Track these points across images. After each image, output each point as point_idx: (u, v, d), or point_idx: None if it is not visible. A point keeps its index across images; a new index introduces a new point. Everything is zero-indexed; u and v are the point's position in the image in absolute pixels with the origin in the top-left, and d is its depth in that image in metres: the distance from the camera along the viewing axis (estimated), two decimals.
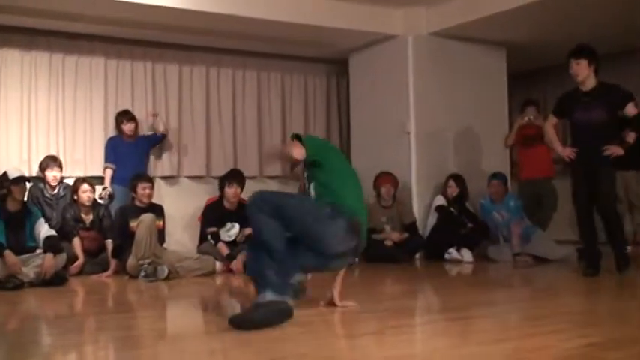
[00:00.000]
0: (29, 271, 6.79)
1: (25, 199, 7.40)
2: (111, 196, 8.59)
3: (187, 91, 9.87)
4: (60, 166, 8.45)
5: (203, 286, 7.01)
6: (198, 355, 3.83)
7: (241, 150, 10.18)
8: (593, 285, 6.42)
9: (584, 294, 6.12)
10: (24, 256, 6.88)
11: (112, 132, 9.15)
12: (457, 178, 9.02)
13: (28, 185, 7.45)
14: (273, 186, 10.41)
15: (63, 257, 7.20)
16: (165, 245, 7.96)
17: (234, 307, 5.98)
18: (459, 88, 9.60)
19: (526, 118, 9.32)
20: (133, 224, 7.62)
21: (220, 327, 4.44)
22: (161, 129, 9.26)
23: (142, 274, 7.18)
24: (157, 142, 9.35)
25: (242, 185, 8.50)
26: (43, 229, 7.14)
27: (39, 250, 7.06)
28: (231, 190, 8.30)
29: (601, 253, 6.93)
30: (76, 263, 7.69)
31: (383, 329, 4.45)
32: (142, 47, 9.53)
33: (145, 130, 9.37)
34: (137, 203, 7.94)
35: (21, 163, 8.50)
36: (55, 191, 8.37)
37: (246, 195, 8.63)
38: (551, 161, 9.48)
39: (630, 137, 7.07)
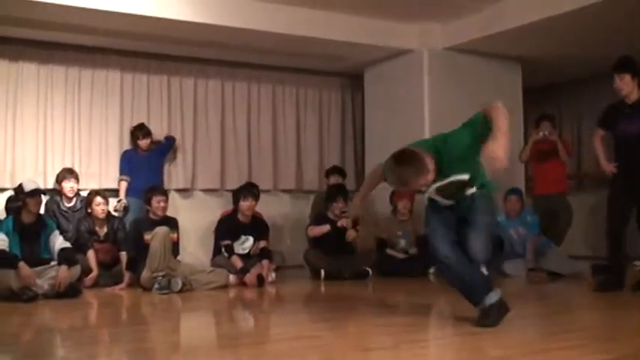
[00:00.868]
0: (43, 284, 6.78)
1: (42, 211, 7.41)
2: (126, 209, 8.61)
3: (202, 105, 9.89)
4: (76, 178, 8.48)
5: (216, 299, 7.00)
6: None
7: (256, 163, 10.20)
8: (608, 301, 6.39)
9: (600, 309, 6.09)
10: (38, 269, 6.86)
11: (127, 145, 9.19)
12: None
13: (44, 198, 7.45)
14: (287, 200, 10.44)
15: (77, 269, 7.19)
16: (179, 258, 7.95)
17: (248, 321, 5.99)
18: (473, 103, 9.49)
19: (541, 134, 9.28)
20: (147, 237, 7.61)
21: (233, 340, 4.43)
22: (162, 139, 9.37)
23: (156, 286, 7.17)
24: (168, 148, 9.40)
25: (257, 199, 8.50)
26: (58, 241, 7.14)
27: (53, 263, 7.05)
28: (246, 204, 8.30)
29: (624, 271, 6.91)
30: (90, 276, 7.68)
31: (398, 344, 4.44)
32: (158, 60, 9.57)
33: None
34: (151, 216, 7.94)
35: (36, 175, 8.53)
36: (72, 203, 8.40)
37: (260, 208, 8.67)
38: (565, 176, 9.46)
39: None
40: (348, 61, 10.10)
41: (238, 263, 8.01)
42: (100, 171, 9.12)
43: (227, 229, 8.37)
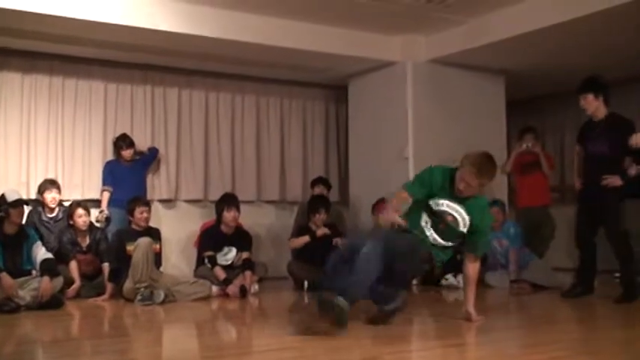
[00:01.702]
0: (25, 295, 6.75)
1: (24, 222, 7.38)
2: (107, 219, 8.58)
3: (186, 115, 9.88)
4: (58, 189, 8.45)
5: (199, 311, 6.99)
6: None
7: (239, 174, 10.19)
8: (590, 313, 6.43)
9: (582, 322, 6.12)
10: (20, 280, 6.83)
11: (110, 155, 9.17)
12: None
13: (27, 208, 7.43)
14: (270, 211, 10.43)
15: (60, 281, 7.16)
16: (161, 269, 7.94)
17: (230, 332, 5.98)
18: (457, 115, 9.62)
19: (524, 146, 9.32)
20: (129, 247, 7.59)
21: (216, 352, 4.42)
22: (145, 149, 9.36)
23: (139, 297, 7.14)
24: (152, 159, 9.39)
25: (239, 209, 8.49)
26: (40, 252, 7.11)
27: (35, 274, 7.03)
28: (230, 214, 8.29)
29: (594, 282, 7.22)
30: (73, 287, 7.65)
31: (381, 355, 4.44)
32: (142, 71, 9.56)
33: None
34: (134, 226, 7.92)
35: (19, 186, 8.48)
36: (54, 214, 8.37)
37: (243, 219, 8.66)
38: (548, 189, 9.51)
39: (634, 170, 7.08)
40: (332, 73, 10.12)
41: (221, 274, 7.99)
42: (82, 181, 9.09)
43: (210, 240, 8.35)
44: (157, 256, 7.80)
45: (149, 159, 9.34)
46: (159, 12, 7.88)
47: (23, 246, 7.09)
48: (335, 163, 11.04)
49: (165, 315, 6.67)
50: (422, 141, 9.36)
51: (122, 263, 7.57)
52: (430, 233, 5.37)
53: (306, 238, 8.72)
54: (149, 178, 9.43)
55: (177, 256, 9.47)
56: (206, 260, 8.19)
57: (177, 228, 9.53)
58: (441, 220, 5.35)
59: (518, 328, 5.76)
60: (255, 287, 8.19)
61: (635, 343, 5.01)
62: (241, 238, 8.42)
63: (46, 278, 6.86)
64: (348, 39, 9.07)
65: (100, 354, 4.75)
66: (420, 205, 5.39)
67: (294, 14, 8.42)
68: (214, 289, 7.83)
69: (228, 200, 8.47)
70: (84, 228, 7.97)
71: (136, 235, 7.70)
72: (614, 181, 6.91)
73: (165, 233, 8.51)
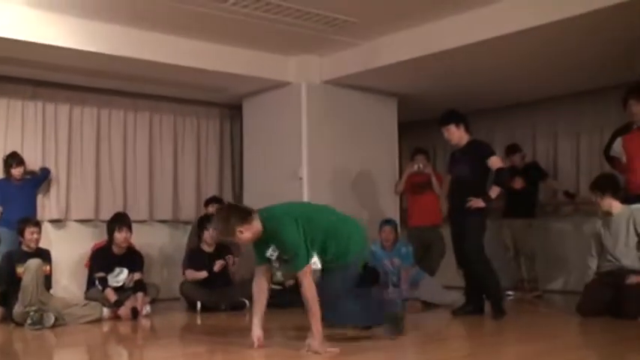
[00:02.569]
0: None
1: None
2: None
3: (77, 132, 9.70)
4: None
5: (90, 334, 6.89)
6: None
7: (131, 193, 10.06)
8: (479, 330, 6.58)
9: (471, 338, 6.24)
10: None
11: (0, 173, 8.92)
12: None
13: None
14: (163, 230, 10.33)
15: None
16: (52, 291, 7.78)
17: (122, 355, 5.91)
18: (351, 136, 9.73)
19: (415, 167, 9.49)
20: (19, 269, 7.41)
21: None
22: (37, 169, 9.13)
23: (29, 322, 6.97)
24: (43, 179, 9.18)
25: (131, 229, 8.38)
26: None
27: None
28: (121, 235, 8.19)
29: (482, 301, 7.52)
30: None
31: None
32: (32, 87, 9.34)
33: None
34: (24, 248, 7.75)
35: None
36: None
37: (135, 239, 8.56)
38: (439, 209, 9.68)
39: (493, 191, 7.34)
40: (226, 92, 10.12)
41: (112, 296, 7.89)
42: None
43: (101, 261, 8.25)
44: (47, 279, 7.64)
45: (40, 179, 9.13)
46: (50, 27, 7.71)
47: None
48: (229, 183, 11.02)
49: (56, 339, 6.56)
50: (316, 161, 9.43)
51: (12, 286, 7.39)
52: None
53: (204, 274, 8.67)
54: (39, 198, 9.20)
55: (68, 277, 9.27)
56: (97, 282, 8.08)
57: (67, 249, 9.31)
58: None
59: (410, 346, 5.84)
60: (147, 309, 8.11)
61: (523, 357, 5.16)
62: (133, 259, 8.33)
63: None
64: (242, 58, 9.08)
65: None
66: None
67: (188, 32, 8.38)
68: (105, 311, 7.72)
69: (120, 220, 8.38)
70: None
71: (26, 256, 7.53)
72: (477, 203, 7.25)
73: (55, 254, 8.33)
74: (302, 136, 9.42)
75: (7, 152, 8.94)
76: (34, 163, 9.17)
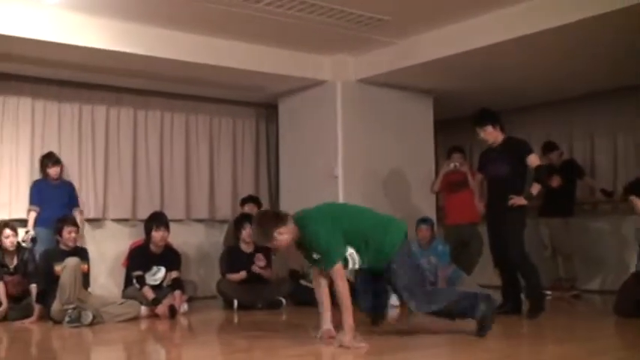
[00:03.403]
0: None
1: None
2: (34, 240, 8.41)
3: (114, 133, 9.77)
4: None
5: (128, 332, 6.92)
6: None
7: (168, 192, 10.11)
8: (517, 329, 6.53)
9: (509, 338, 6.20)
10: None
11: (37, 174, 8.97)
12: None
13: None
14: (200, 229, 10.37)
15: None
16: (89, 290, 7.84)
17: (159, 353, 5.94)
18: (386, 134, 9.71)
19: (452, 165, 9.46)
20: (57, 268, 7.48)
21: None
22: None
23: (67, 319, 7.04)
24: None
25: (169, 228, 8.42)
26: None
27: None
28: (158, 234, 8.23)
29: (520, 299, 7.43)
30: (0, 309, 7.53)
31: None
32: (70, 88, 9.42)
33: (69, 174, 9.23)
34: (62, 246, 7.81)
35: None
36: None
37: (172, 238, 8.60)
38: (476, 207, 9.63)
39: (534, 188, 7.29)
40: (262, 91, 10.14)
41: (150, 294, 7.93)
42: (10, 200, 8.89)
43: (139, 260, 8.29)
44: (85, 277, 7.71)
45: (73, 189, 9.14)
46: (86, 29, 7.78)
47: None
48: (265, 182, 11.04)
49: (94, 337, 6.61)
50: (351, 160, 9.42)
51: (50, 284, 7.45)
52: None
53: (243, 275, 8.70)
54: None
55: (106, 276, 9.35)
56: (134, 280, 8.13)
57: (105, 247, 9.41)
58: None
59: (445, 346, 5.82)
60: (185, 307, 8.15)
61: (564, 358, 5.12)
62: (170, 258, 8.37)
63: None
64: (278, 58, 9.10)
65: None
66: None
67: (224, 32, 8.41)
68: (143, 309, 7.77)
69: (157, 219, 8.42)
70: (11, 249, 7.82)
71: (63, 255, 7.59)
72: (519, 200, 7.19)
73: (92, 253, 8.41)
74: (337, 135, 9.42)
75: (45, 154, 9.01)
76: (71, 163, 9.26)
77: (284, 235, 5.49)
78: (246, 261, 8.74)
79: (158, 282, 8.19)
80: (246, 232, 8.75)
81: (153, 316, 7.75)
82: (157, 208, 9.48)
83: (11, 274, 7.80)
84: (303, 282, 8.90)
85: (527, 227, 7.54)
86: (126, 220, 9.79)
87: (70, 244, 7.79)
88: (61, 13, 7.63)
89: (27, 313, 7.56)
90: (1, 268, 7.77)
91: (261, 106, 10.97)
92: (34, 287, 7.69)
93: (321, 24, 8.05)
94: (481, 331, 5.74)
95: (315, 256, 5.54)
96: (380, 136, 9.66)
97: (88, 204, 9.42)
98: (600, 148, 10.33)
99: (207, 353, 5.60)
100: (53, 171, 8.80)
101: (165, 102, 10.20)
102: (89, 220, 9.43)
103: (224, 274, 8.87)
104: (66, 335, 6.67)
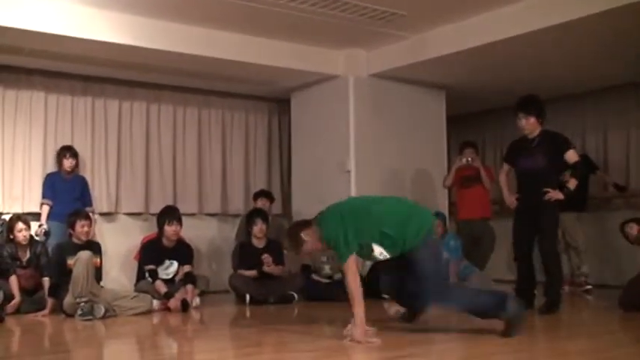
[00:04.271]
0: None
1: None
2: (46, 233, 8.43)
3: (127, 127, 9.80)
4: None
5: (140, 325, 6.93)
6: None
7: (181, 187, 10.14)
8: (529, 324, 6.51)
9: (524, 333, 6.19)
10: None
11: (50, 168, 9.02)
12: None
13: None
14: (212, 223, 10.39)
15: None
16: (102, 283, 7.86)
17: (172, 347, 5.94)
18: (398, 129, 9.70)
19: (464, 160, 9.42)
20: (70, 261, 7.48)
21: None
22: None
23: (79, 312, 7.05)
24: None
25: (181, 223, 8.43)
26: None
27: None
28: (171, 228, 8.24)
29: (534, 294, 7.37)
30: (13, 302, 7.53)
31: None
32: (82, 82, 9.46)
33: (82, 168, 9.24)
34: (74, 240, 7.83)
35: None
36: None
37: (185, 232, 8.61)
38: (488, 202, 9.62)
39: (572, 184, 7.22)
40: (274, 86, 10.14)
41: (162, 288, 7.95)
42: (23, 194, 8.94)
43: (151, 253, 8.31)
44: (98, 271, 7.71)
45: (86, 183, 9.14)
46: (98, 22, 7.80)
47: None
48: (277, 176, 11.04)
49: (106, 330, 6.61)
50: (363, 154, 9.42)
51: (62, 278, 7.47)
52: None
53: (253, 273, 8.70)
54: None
55: (118, 270, 9.37)
56: (147, 274, 8.14)
57: (117, 241, 9.43)
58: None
59: (458, 340, 5.81)
60: (197, 301, 8.15)
61: (573, 354, 5.10)
62: (183, 252, 8.39)
63: None
64: (290, 52, 9.10)
65: None
66: None
67: (236, 26, 8.42)
68: (155, 303, 7.78)
69: (170, 213, 8.43)
70: (24, 242, 7.85)
71: (76, 248, 7.60)
72: (556, 194, 7.08)
73: (105, 247, 8.44)
74: (350, 129, 9.42)
75: (58, 147, 9.03)
76: (83, 157, 9.27)
77: (311, 237, 5.55)
78: (257, 257, 8.73)
79: (170, 276, 8.20)
80: (258, 227, 8.75)
81: (165, 309, 7.76)
82: (170, 202, 9.50)
83: (24, 267, 7.83)
84: (314, 277, 8.92)
85: None
86: (138, 214, 9.82)
87: (83, 237, 7.81)
88: (73, 7, 7.65)
89: (39, 307, 7.58)
90: (14, 261, 7.79)
91: (274, 101, 10.98)
92: (46, 280, 7.74)
93: (334, 18, 8.04)
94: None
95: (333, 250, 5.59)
96: (392, 130, 9.65)
97: (101, 198, 9.46)
98: (613, 143, 10.30)
99: (219, 347, 5.60)
100: (68, 163, 8.80)
101: (178, 96, 10.21)
102: (102, 214, 9.46)
103: (236, 269, 8.88)
104: (78, 328, 6.69)
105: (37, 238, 8.24)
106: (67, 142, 9.11)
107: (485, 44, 8.07)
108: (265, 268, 8.67)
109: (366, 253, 5.60)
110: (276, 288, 8.59)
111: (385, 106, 9.63)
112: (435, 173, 10.00)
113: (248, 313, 7.88)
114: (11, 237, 7.85)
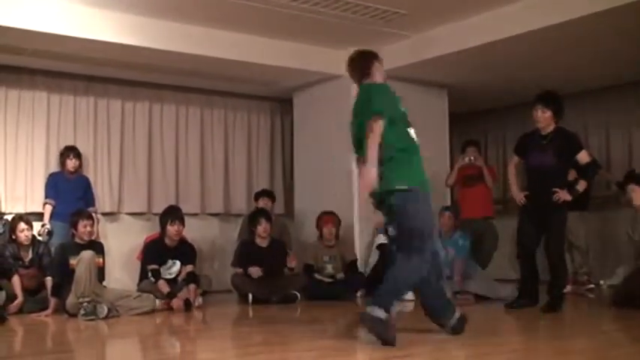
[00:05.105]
0: None
1: None
2: (49, 233, 8.45)
3: (130, 127, 9.82)
4: None
5: (143, 325, 6.93)
6: None
7: (183, 187, 10.15)
8: (533, 324, 6.51)
9: (524, 332, 6.19)
10: None
11: (53, 168, 9.04)
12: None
13: None
14: (215, 223, 10.40)
15: (2, 296, 7.08)
16: (105, 283, 7.86)
17: (174, 347, 5.95)
18: None
19: (467, 159, 9.42)
20: (72, 261, 7.49)
21: None
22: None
23: (82, 312, 7.06)
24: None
25: (184, 223, 8.44)
26: None
27: None
28: (173, 228, 8.25)
29: (537, 294, 7.36)
30: (15, 302, 7.54)
31: None
32: (85, 82, 9.48)
33: (84, 168, 9.25)
34: (77, 240, 7.84)
35: None
36: None
37: (187, 232, 8.62)
38: (491, 201, 9.61)
39: (581, 185, 7.21)
40: (277, 86, 10.14)
41: (165, 288, 7.95)
42: (25, 194, 8.96)
43: (153, 253, 8.32)
44: (100, 270, 7.73)
45: (88, 183, 9.15)
46: (100, 22, 7.83)
47: None
48: (280, 176, 11.05)
49: (109, 330, 6.62)
50: None
51: (65, 277, 7.48)
52: None
53: (258, 271, 8.69)
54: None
55: (121, 270, 9.37)
56: (150, 274, 8.15)
57: (120, 241, 9.45)
58: None
59: (461, 339, 5.81)
60: (200, 300, 8.16)
61: (572, 353, 5.09)
62: (185, 252, 8.39)
63: None
64: (292, 52, 9.11)
65: None
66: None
67: (238, 26, 8.43)
68: (158, 303, 7.78)
69: (172, 213, 8.44)
70: (26, 242, 7.87)
71: (79, 248, 7.61)
72: (564, 195, 7.05)
73: (108, 247, 8.46)
74: None
75: (61, 147, 9.06)
76: (86, 157, 9.30)
77: (377, 71, 5.73)
78: (260, 256, 8.73)
79: (173, 276, 8.21)
80: (262, 227, 8.76)
81: (168, 309, 7.77)
82: (172, 202, 9.51)
83: (26, 267, 7.85)
84: (317, 276, 8.92)
85: None
86: (141, 213, 9.83)
87: (86, 237, 7.81)
88: (75, 7, 7.68)
89: (42, 306, 7.59)
90: (17, 261, 7.81)
91: (276, 100, 10.98)
92: (49, 280, 7.73)
93: (336, 18, 8.05)
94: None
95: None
96: None
97: (104, 198, 9.47)
98: (615, 141, 10.29)
99: (222, 347, 5.61)
100: (72, 163, 8.81)
101: (181, 96, 10.23)
102: (104, 214, 9.47)
103: (234, 266, 8.88)
104: (81, 328, 6.69)
105: (39, 238, 8.26)
106: (70, 142, 9.13)
107: (486, 43, 8.10)
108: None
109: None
110: (279, 287, 8.59)
111: None
112: (437, 172, 9.94)
113: (251, 313, 7.88)
114: (13, 237, 7.87)
